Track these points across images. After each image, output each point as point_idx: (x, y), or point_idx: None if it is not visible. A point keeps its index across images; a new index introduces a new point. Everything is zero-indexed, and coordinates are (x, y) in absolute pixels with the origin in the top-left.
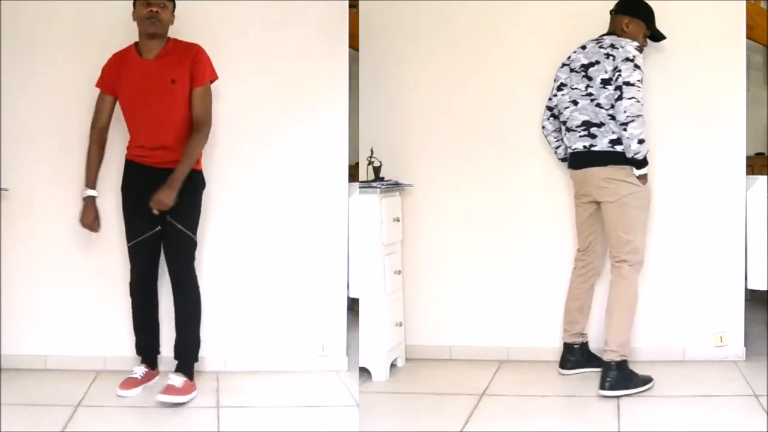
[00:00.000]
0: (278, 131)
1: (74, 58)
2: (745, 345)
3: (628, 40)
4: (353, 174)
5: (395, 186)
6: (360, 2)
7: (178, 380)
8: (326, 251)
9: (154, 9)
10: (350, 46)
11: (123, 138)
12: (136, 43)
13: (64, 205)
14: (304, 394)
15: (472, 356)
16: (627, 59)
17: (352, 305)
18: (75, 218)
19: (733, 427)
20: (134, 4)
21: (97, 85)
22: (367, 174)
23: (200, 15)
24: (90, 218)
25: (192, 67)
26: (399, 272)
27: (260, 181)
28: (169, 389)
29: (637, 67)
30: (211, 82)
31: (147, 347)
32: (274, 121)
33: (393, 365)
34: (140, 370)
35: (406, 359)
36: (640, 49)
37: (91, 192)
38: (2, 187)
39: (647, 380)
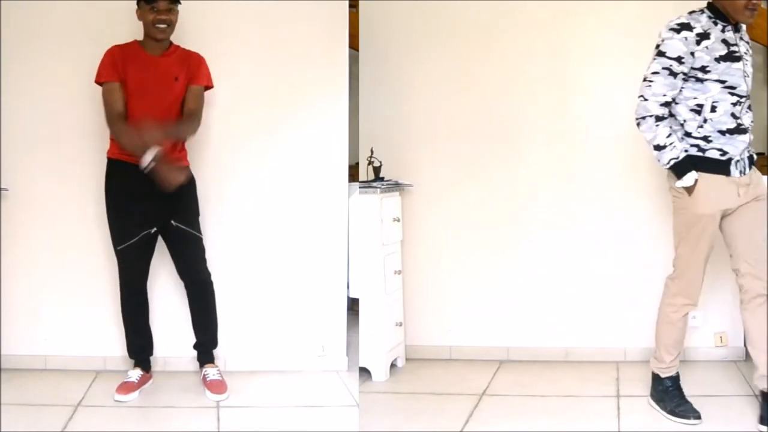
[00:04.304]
0: (278, 131)
1: (75, 58)
2: (745, 345)
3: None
4: (353, 174)
5: (395, 186)
6: (360, 2)
7: (217, 372)
8: (326, 251)
9: (163, 17)
10: (350, 46)
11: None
12: (138, 41)
13: (64, 205)
14: (304, 394)
15: (472, 356)
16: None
17: (352, 305)
18: (75, 218)
19: (733, 427)
20: (138, 4)
21: (104, 78)
22: (367, 174)
23: (200, 15)
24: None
25: (193, 69)
26: (399, 272)
27: (260, 181)
28: (218, 386)
29: (660, 54)
30: (207, 89)
31: (141, 350)
32: (273, 122)
33: (393, 365)
34: (135, 374)
35: (406, 359)
36: (686, 27)
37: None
38: (2, 187)
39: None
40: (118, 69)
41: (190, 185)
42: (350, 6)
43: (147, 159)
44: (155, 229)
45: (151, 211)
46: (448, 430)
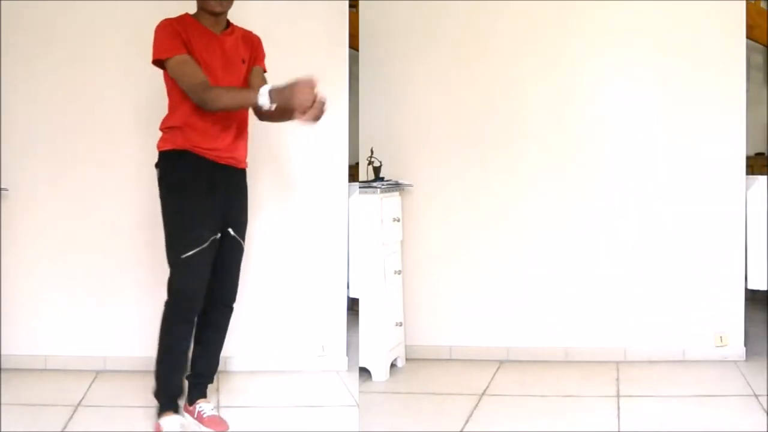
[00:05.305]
0: (278, 131)
1: (74, 58)
2: (745, 345)
3: None
4: (353, 174)
5: (395, 186)
6: (360, 2)
7: (213, 408)
8: (326, 251)
9: None
10: (350, 46)
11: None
12: (190, 15)
13: (64, 205)
14: (304, 394)
15: (472, 356)
16: None
17: (352, 305)
18: (75, 218)
19: (733, 427)
20: None
21: (171, 53)
22: (367, 174)
23: None
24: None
25: (255, 50)
26: (399, 272)
27: (260, 181)
28: (219, 422)
29: None
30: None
31: (178, 390)
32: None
33: (393, 365)
34: (176, 422)
35: (406, 359)
36: None
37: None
38: (2, 187)
39: None
40: (184, 41)
41: (247, 190)
42: (350, 6)
43: (264, 99)
44: (219, 235)
45: (216, 213)
46: (448, 430)
